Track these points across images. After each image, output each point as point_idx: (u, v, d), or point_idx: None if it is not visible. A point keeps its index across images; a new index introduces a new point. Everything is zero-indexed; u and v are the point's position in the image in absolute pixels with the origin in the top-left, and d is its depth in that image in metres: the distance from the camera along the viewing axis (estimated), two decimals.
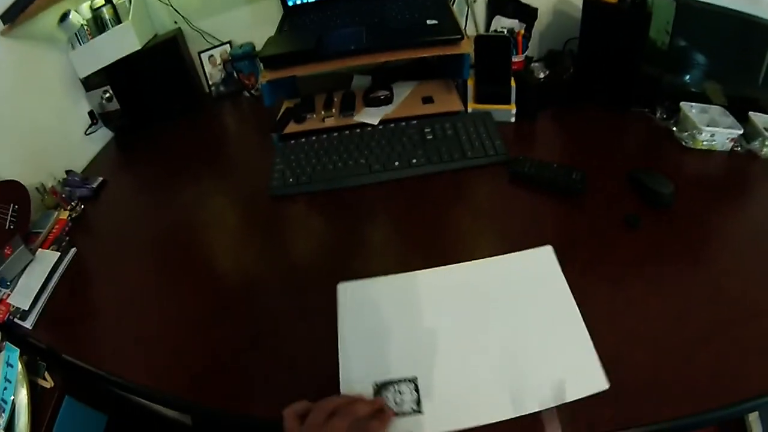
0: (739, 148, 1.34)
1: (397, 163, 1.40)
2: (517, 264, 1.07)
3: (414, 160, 1.40)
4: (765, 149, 1.30)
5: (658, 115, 1.48)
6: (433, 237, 1.22)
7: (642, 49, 1.44)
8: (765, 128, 1.31)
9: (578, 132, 1.51)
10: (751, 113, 1.36)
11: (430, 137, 1.45)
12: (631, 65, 1.47)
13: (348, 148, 1.46)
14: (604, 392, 0.86)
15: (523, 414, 0.85)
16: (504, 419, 0.85)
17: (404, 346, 0.96)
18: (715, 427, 1.40)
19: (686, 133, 1.38)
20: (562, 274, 1.03)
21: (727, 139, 1.33)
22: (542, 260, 1.07)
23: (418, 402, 0.88)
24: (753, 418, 1.39)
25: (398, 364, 0.93)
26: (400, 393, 0.89)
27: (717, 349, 0.90)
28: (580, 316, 0.96)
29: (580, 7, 1.52)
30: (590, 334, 0.93)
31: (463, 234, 1.23)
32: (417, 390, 0.89)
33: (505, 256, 1.09)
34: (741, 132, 1.32)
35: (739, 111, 1.37)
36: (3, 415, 1.07)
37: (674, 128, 1.42)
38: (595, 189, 1.26)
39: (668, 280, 1.05)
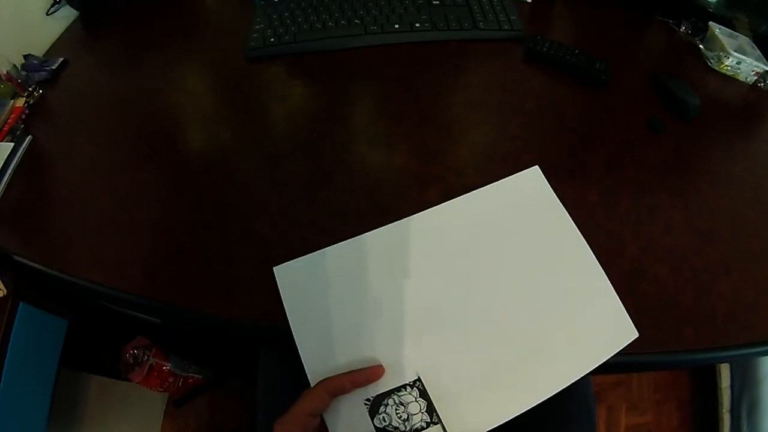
0: (762, 84, 1.26)
1: (397, 26, 1.26)
2: (503, 197, 0.89)
3: (417, 24, 1.25)
4: None
5: (683, 29, 1.38)
6: (435, 110, 1.12)
7: None
8: None
9: (599, 26, 1.40)
10: None
11: (437, 2, 1.31)
12: None
13: (341, 5, 1.31)
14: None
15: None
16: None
17: (384, 327, 0.77)
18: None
19: (713, 53, 1.29)
20: (560, 205, 0.89)
21: (753, 71, 1.25)
22: (533, 186, 0.92)
23: (431, 410, 0.71)
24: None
25: (385, 351, 0.75)
26: (403, 406, 0.71)
27: (735, 280, 0.87)
28: (592, 255, 0.84)
29: None
30: (612, 240, 0.87)
31: (470, 109, 1.13)
32: (425, 395, 0.72)
33: (485, 188, 0.90)
34: (767, 68, 1.24)
35: (763, 49, 1.30)
36: None
37: (701, 45, 1.33)
38: (616, 84, 1.17)
39: (692, 195, 0.98)
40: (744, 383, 1.38)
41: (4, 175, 1.14)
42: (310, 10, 1.32)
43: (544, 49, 1.19)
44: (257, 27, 1.31)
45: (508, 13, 1.28)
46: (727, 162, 1.06)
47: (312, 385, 0.71)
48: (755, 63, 1.23)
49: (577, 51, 1.19)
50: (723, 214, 0.95)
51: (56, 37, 1.58)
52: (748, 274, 0.87)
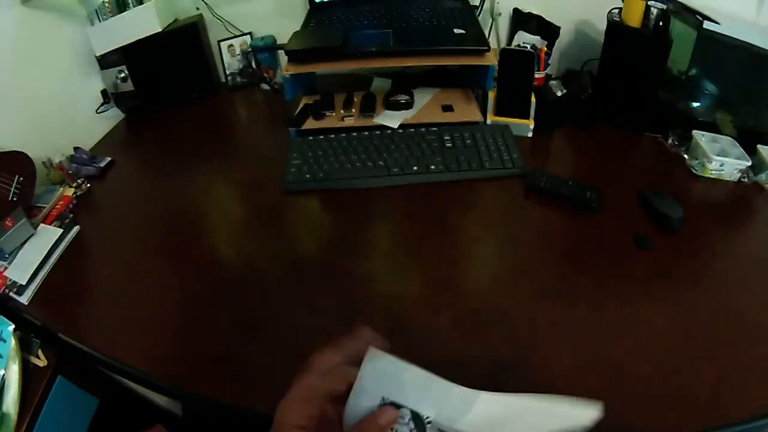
0: (746, 179, 1.37)
1: (415, 168, 1.41)
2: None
3: (432, 167, 1.41)
4: None
5: (670, 141, 1.51)
6: (447, 243, 1.24)
7: (661, 75, 1.48)
8: None
9: (593, 151, 1.54)
10: (759, 146, 1.39)
11: (449, 145, 1.47)
12: (649, 90, 1.50)
13: (367, 148, 1.47)
14: (607, 404, 0.86)
15: None
16: None
17: None
18: None
19: (696, 161, 1.41)
20: None
21: (736, 169, 1.36)
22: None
23: None
24: None
25: None
26: None
27: (720, 368, 0.93)
28: None
29: (601, 29, 1.56)
30: (598, 346, 0.96)
31: (476, 244, 1.26)
32: None
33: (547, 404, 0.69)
34: (749, 164, 1.35)
35: (747, 143, 1.40)
36: None
37: (685, 155, 1.45)
38: (607, 207, 1.29)
39: (674, 299, 1.07)
40: None
41: (50, 256, 1.26)
42: (340, 150, 1.47)
43: (542, 184, 1.33)
44: (294, 162, 1.45)
45: (510, 151, 1.43)
46: (712, 261, 1.17)
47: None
48: (737, 162, 1.34)
49: (570, 182, 1.32)
50: (705, 311, 1.03)
51: (102, 135, 1.75)
52: (733, 359, 0.93)
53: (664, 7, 1.44)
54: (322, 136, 1.54)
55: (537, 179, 1.34)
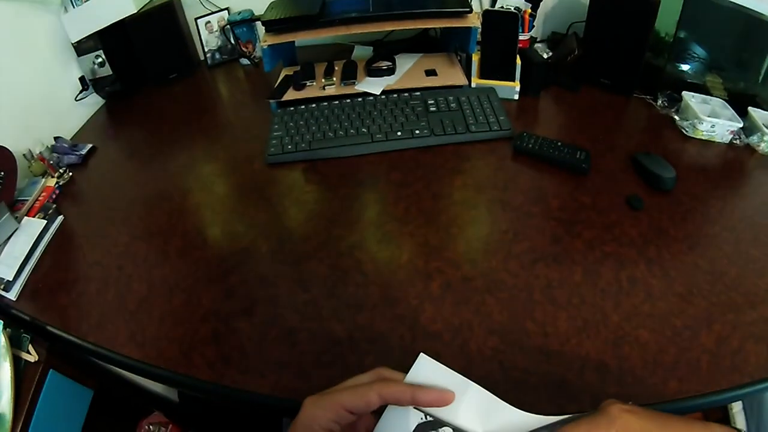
0: (737, 141, 1.35)
1: (399, 133, 1.38)
2: None
3: (417, 131, 1.38)
4: (763, 144, 1.32)
5: (659, 102, 1.49)
6: (436, 208, 1.22)
7: (648, 38, 1.45)
8: (764, 124, 1.33)
9: (581, 113, 1.51)
10: (750, 108, 1.37)
11: (433, 109, 1.44)
12: (637, 53, 1.47)
13: (349, 116, 1.44)
14: (608, 370, 0.87)
15: None
16: None
17: None
18: (700, 414, 1.41)
19: (687, 122, 1.39)
20: None
21: (727, 131, 1.35)
22: None
23: None
24: (737, 409, 1.41)
25: None
26: None
27: (718, 331, 0.92)
28: None
29: None
30: (595, 311, 0.93)
31: (465, 208, 1.23)
32: None
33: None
34: (741, 125, 1.34)
35: (738, 106, 1.39)
36: None
37: (676, 116, 1.44)
38: (598, 169, 1.27)
39: (670, 261, 1.05)
40: (759, 428, 1.40)
41: (36, 249, 1.23)
42: (322, 120, 1.44)
43: (530, 146, 1.31)
44: (275, 134, 1.43)
45: (497, 114, 1.41)
46: (706, 224, 1.15)
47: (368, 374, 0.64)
48: (729, 123, 1.33)
49: (559, 143, 1.30)
50: (702, 274, 1.02)
51: (84, 122, 1.72)
52: (731, 324, 0.93)
53: None
54: (303, 107, 1.51)
55: (525, 141, 1.32)
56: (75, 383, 1.26)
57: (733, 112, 1.37)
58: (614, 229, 1.13)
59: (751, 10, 1.33)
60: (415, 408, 0.61)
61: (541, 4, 1.67)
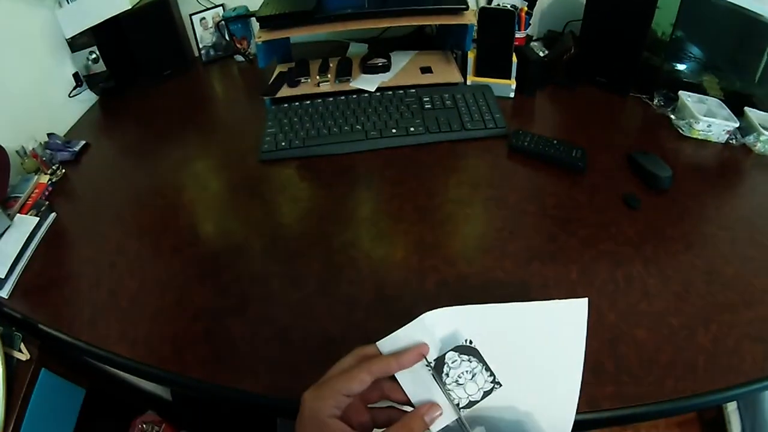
0: (734, 141, 1.35)
1: (394, 131, 1.38)
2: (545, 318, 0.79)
3: (412, 129, 1.38)
4: (759, 144, 1.32)
5: (655, 101, 1.49)
6: (431, 206, 1.22)
7: (645, 37, 1.45)
8: (760, 124, 1.33)
9: (577, 111, 1.51)
10: (746, 108, 1.37)
11: (428, 107, 1.44)
12: (633, 52, 1.48)
13: (344, 113, 1.44)
14: (605, 370, 0.87)
15: None
16: None
17: None
18: (695, 414, 1.41)
19: (684, 122, 1.39)
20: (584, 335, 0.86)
21: (723, 130, 1.35)
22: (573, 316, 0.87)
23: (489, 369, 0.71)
24: (731, 408, 1.41)
25: None
26: (465, 362, 0.71)
27: (714, 331, 0.92)
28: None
29: None
30: (591, 311, 0.91)
31: (460, 206, 1.22)
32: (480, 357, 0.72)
33: (537, 304, 0.77)
34: (737, 125, 1.34)
35: (734, 105, 1.39)
36: None
37: (672, 116, 1.44)
38: (594, 167, 1.27)
39: (666, 260, 1.05)
40: (754, 428, 1.40)
41: (28, 247, 1.22)
42: (316, 116, 1.44)
43: (526, 144, 1.30)
44: (269, 131, 1.42)
45: (492, 111, 1.40)
46: (702, 223, 1.14)
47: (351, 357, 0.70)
48: (725, 123, 1.33)
49: (555, 141, 1.30)
50: (698, 273, 1.02)
51: (77, 119, 1.71)
52: (728, 323, 0.93)
53: None
54: (297, 103, 1.51)
55: (521, 139, 1.32)
56: (67, 382, 1.25)
57: (730, 111, 1.37)
58: (611, 227, 1.13)
59: (748, 9, 1.34)
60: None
61: (537, 2, 1.67)
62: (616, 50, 1.49)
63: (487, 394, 0.69)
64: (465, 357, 0.71)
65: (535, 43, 1.62)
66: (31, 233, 1.24)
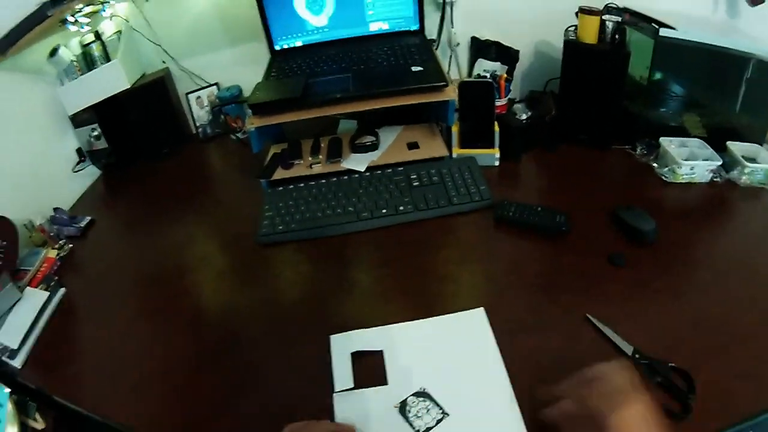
0: (718, 178, 1.38)
1: (384, 211, 1.42)
2: (451, 325, 1.11)
3: (401, 207, 1.42)
4: (744, 177, 1.35)
5: (638, 151, 1.53)
6: (420, 284, 1.24)
7: (622, 87, 1.49)
8: (743, 156, 1.36)
9: (561, 172, 1.54)
10: (729, 143, 1.41)
11: (416, 184, 1.47)
12: (612, 103, 1.51)
13: (336, 195, 1.47)
14: None
15: None
16: None
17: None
18: None
19: (666, 168, 1.42)
20: (493, 337, 1.06)
21: (707, 170, 1.38)
22: (475, 322, 1.10)
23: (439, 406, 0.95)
24: None
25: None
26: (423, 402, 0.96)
27: (707, 374, 0.93)
28: (508, 381, 0.98)
29: (560, 47, 1.56)
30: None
31: (449, 280, 1.24)
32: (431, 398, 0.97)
33: (440, 317, 1.12)
34: (720, 163, 1.37)
35: (717, 141, 1.42)
36: None
37: (654, 164, 1.47)
38: (579, 229, 1.29)
39: (653, 314, 1.07)
40: None
41: (39, 319, 1.26)
42: (310, 199, 1.48)
43: (510, 214, 1.33)
44: (267, 214, 1.46)
45: (478, 184, 1.44)
46: (690, 268, 1.17)
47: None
48: (707, 163, 1.36)
49: (539, 208, 1.32)
50: (686, 321, 1.04)
51: (81, 193, 1.78)
52: (718, 367, 0.94)
53: (619, 19, 1.46)
54: (291, 186, 1.55)
55: (505, 209, 1.34)
56: None
57: (712, 150, 1.40)
58: (596, 288, 1.14)
59: (718, 46, 1.38)
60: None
61: (517, 65, 1.71)
62: (596, 104, 1.53)
63: (439, 421, 0.92)
64: (421, 398, 0.96)
65: (518, 105, 1.67)
66: (42, 307, 1.28)
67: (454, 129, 1.58)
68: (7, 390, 1.10)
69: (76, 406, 1.09)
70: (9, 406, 1.09)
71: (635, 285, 1.14)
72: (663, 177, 1.42)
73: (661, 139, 1.46)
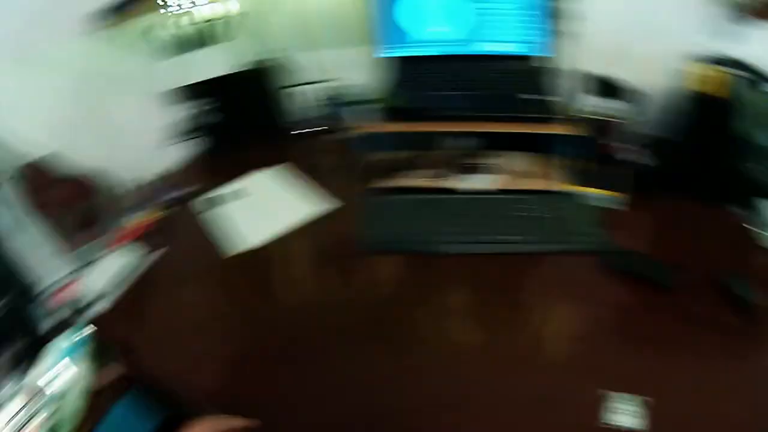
0: None
1: (488, 238, 1.41)
2: None
3: (507, 237, 1.41)
4: None
5: (751, 215, 1.46)
6: (514, 321, 1.24)
7: (744, 146, 1.43)
8: None
9: (672, 224, 1.50)
10: None
11: (525, 215, 1.47)
12: (732, 162, 1.46)
13: (442, 212, 1.48)
14: None
15: None
16: None
17: None
18: None
19: None
20: None
21: None
22: None
23: None
24: None
25: None
26: None
27: None
28: None
29: (685, 95, 1.53)
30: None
31: (546, 321, 1.25)
32: None
33: None
34: None
35: None
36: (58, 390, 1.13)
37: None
38: (688, 287, 1.26)
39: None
40: None
41: (129, 274, 1.35)
42: (415, 212, 1.50)
43: (623, 262, 1.32)
44: (370, 221, 1.48)
45: (591, 225, 1.43)
46: None
47: None
48: None
49: (649, 259, 1.31)
50: None
51: (179, 165, 1.87)
52: None
53: (746, 76, 1.41)
54: (397, 196, 1.57)
55: (615, 257, 1.34)
56: (147, 407, 1.25)
57: None
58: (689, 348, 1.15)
59: None
60: None
61: (640, 108, 1.67)
62: (715, 159, 1.49)
63: None
64: None
65: (638, 150, 1.64)
66: (133, 262, 1.38)
67: (572, 164, 1.58)
68: (88, 330, 1.22)
69: (149, 366, 1.18)
70: (88, 348, 1.20)
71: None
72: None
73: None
